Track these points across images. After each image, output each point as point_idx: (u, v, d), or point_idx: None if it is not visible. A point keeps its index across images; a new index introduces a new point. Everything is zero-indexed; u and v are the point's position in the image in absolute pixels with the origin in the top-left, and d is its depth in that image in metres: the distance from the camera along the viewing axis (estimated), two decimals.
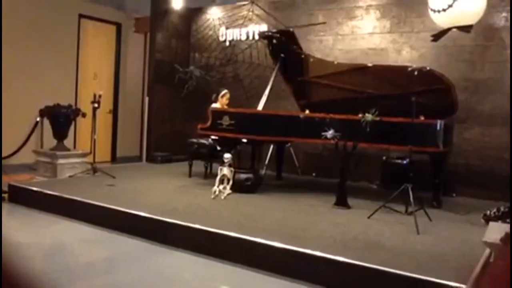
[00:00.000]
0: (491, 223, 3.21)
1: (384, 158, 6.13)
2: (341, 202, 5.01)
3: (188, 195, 5.40)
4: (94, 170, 6.32)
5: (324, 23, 7.26)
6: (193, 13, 8.80)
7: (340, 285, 3.37)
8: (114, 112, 8.05)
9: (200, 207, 4.85)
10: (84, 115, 6.64)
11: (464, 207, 5.23)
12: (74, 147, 7.53)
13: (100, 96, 6.48)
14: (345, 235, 3.99)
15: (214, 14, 8.63)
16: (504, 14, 6.03)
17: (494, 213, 4.08)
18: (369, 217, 4.55)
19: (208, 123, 5.88)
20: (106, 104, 7.95)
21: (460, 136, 6.05)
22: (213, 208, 4.83)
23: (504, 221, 2.98)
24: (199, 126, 5.97)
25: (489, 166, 5.93)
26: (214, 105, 6.36)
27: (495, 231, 2.87)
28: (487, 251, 2.90)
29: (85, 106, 6.91)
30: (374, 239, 3.89)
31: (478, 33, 6.03)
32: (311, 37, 7.41)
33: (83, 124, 7.31)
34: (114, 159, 7.97)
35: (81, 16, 7.80)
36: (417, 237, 3.99)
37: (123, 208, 4.63)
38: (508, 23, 5.97)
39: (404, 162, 5.82)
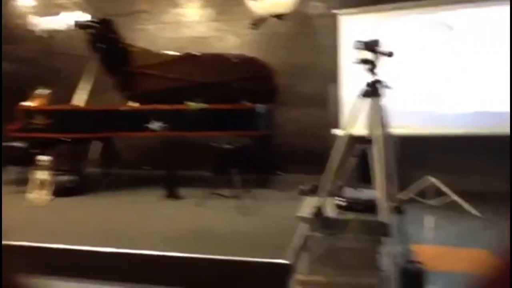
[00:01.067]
0: (306, 198, 3.40)
1: (214, 144, 6.19)
2: (172, 194, 4.90)
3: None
4: None
5: (146, 11, 7.00)
6: None
7: (174, 281, 3.26)
8: None
9: (15, 218, 4.29)
10: None
11: (290, 184, 5.52)
12: None
13: None
14: (175, 228, 3.90)
15: (24, 1, 7.74)
16: (316, 3, 6.48)
17: (309, 188, 4.38)
18: (197, 206, 4.52)
19: (19, 124, 5.24)
20: None
21: (283, 117, 6.36)
22: (31, 218, 4.31)
23: (316, 195, 3.19)
24: (8, 127, 5.29)
25: (310, 144, 6.34)
26: (24, 103, 5.68)
27: (308, 206, 3.05)
28: (303, 225, 3.06)
29: None
30: (204, 228, 3.87)
31: (294, 21, 6.40)
32: (135, 26, 7.08)
33: None
34: None
35: None
36: (244, 219, 4.08)
37: None
38: (318, 11, 6.45)
39: (234, 146, 5.94)
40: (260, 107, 5.12)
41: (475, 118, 4.85)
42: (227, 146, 6.05)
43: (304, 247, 3.05)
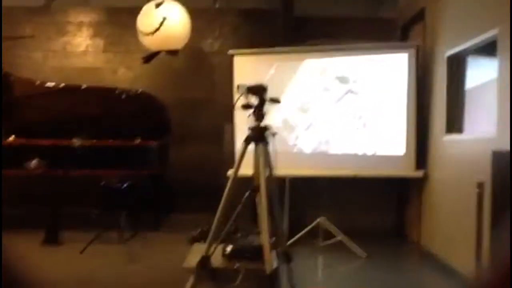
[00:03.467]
0: (194, 245, 3.27)
1: (102, 183, 5.84)
2: (51, 239, 4.48)
3: None
4: None
5: (32, 36, 6.53)
6: None
7: None
8: None
9: None
10: None
11: (185, 226, 5.32)
12: None
13: None
14: (54, 277, 3.52)
15: None
16: (210, 40, 6.51)
17: (199, 233, 4.24)
18: (81, 252, 4.17)
19: None
20: None
21: (179, 154, 6.20)
22: None
23: (204, 241, 3.07)
24: None
25: (207, 182, 6.19)
26: None
27: (195, 255, 2.91)
28: (190, 275, 2.91)
29: None
30: (86, 277, 3.57)
31: (189, 56, 6.35)
32: (18, 52, 6.55)
33: None
34: None
35: None
36: (131, 267, 3.82)
37: None
38: (213, 49, 6.49)
39: (124, 186, 5.64)
40: (152, 144, 4.94)
41: (363, 160, 5.06)
42: (117, 185, 5.75)
43: None
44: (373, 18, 6.25)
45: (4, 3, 6.60)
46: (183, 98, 6.42)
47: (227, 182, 3.07)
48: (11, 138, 5.24)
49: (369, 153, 5.07)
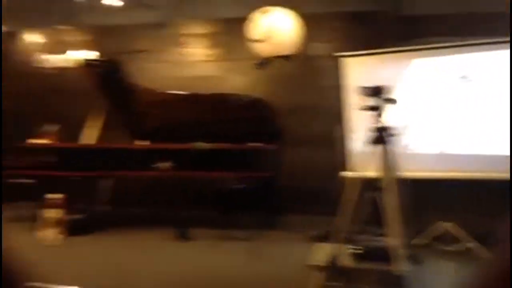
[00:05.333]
0: (316, 245, 3.37)
1: (222, 184, 6.19)
2: (181, 235, 4.87)
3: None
4: None
5: (147, 50, 7.11)
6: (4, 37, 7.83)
7: None
8: None
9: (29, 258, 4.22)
10: None
11: (297, 226, 5.46)
12: None
13: None
14: (185, 272, 3.85)
15: (30, 38, 7.83)
16: (319, 44, 6.59)
17: (321, 233, 4.32)
18: (210, 248, 4.48)
19: (25, 161, 5.25)
20: None
21: (292, 158, 6.34)
22: (42, 259, 4.25)
23: (328, 241, 3.16)
24: (15, 163, 5.28)
25: (320, 185, 6.22)
26: (33, 141, 5.69)
27: (320, 253, 3.02)
28: (317, 273, 3.02)
29: None
30: (215, 273, 3.82)
31: (297, 61, 6.48)
32: (139, 64, 7.15)
33: None
34: None
35: None
36: (258, 264, 4.01)
37: None
38: (323, 53, 6.56)
39: (242, 187, 5.91)
40: (266, 148, 5.15)
41: (489, 161, 4.80)
42: (237, 186, 6.04)
43: None
44: (479, 13, 5.88)
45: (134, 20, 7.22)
46: (294, 103, 6.55)
47: (339, 185, 3.13)
48: (146, 142, 5.73)
49: (494, 153, 4.78)
